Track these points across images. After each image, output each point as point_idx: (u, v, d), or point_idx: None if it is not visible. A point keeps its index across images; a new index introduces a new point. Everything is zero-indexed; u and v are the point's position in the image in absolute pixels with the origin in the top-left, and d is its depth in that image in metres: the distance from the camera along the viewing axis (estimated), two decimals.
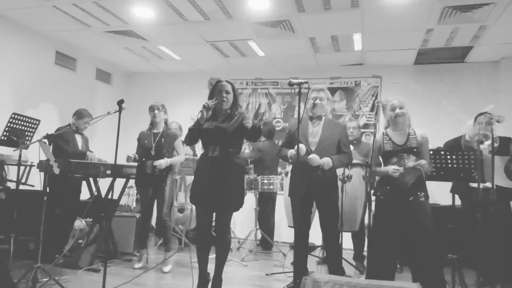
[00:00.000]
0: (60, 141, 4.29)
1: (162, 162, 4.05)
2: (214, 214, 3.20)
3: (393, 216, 3.12)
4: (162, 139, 4.19)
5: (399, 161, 3.16)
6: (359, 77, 6.39)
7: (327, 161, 3.27)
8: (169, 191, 4.21)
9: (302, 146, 3.20)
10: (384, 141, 3.25)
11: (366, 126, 6.27)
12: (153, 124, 4.29)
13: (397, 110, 3.19)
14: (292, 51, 5.84)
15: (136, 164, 4.27)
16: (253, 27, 5.02)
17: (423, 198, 3.12)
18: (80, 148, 4.50)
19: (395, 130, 3.26)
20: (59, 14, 4.85)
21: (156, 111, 4.21)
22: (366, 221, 4.27)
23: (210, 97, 3.14)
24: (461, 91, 5.94)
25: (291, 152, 3.33)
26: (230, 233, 3.21)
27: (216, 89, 3.11)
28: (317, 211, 3.50)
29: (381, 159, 3.33)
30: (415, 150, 3.15)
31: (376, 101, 6.18)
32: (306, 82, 2.88)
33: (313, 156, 3.26)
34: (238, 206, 3.10)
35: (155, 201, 4.25)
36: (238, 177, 3.10)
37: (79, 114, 4.50)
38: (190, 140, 3.15)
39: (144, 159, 4.17)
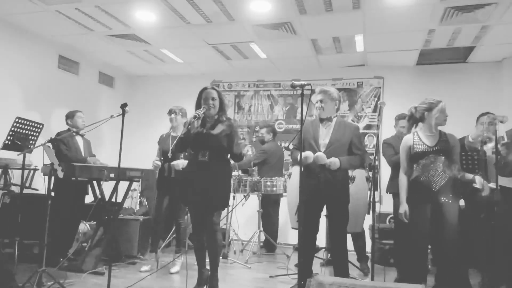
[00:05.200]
0: (61, 146, 4.29)
1: (179, 163, 4.08)
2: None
3: (423, 218, 3.10)
4: None
5: (428, 163, 3.14)
6: (361, 78, 6.39)
7: (333, 161, 3.21)
8: None
9: (309, 154, 3.19)
10: (415, 142, 3.21)
11: (368, 127, 6.27)
12: (172, 128, 4.34)
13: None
14: (294, 53, 5.85)
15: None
16: (255, 30, 5.03)
17: (452, 200, 3.10)
18: (82, 151, 4.51)
19: (426, 131, 3.22)
20: (62, 18, 4.87)
21: (172, 115, 4.27)
22: (369, 222, 4.26)
23: (197, 104, 3.32)
24: (463, 91, 5.92)
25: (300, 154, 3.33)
26: (219, 232, 3.30)
27: (202, 97, 3.30)
28: (322, 213, 3.48)
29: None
30: (446, 152, 3.13)
31: (379, 102, 6.18)
32: (308, 84, 2.87)
33: (319, 154, 3.22)
34: (223, 205, 3.30)
35: (172, 204, 4.25)
36: (224, 179, 3.28)
37: (69, 114, 4.53)
38: (180, 148, 3.33)
39: (161, 162, 4.22)
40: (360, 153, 3.39)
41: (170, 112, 4.30)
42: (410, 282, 2.95)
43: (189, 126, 3.14)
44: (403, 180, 3.26)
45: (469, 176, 3.16)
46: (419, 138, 3.21)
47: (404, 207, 3.20)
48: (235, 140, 3.29)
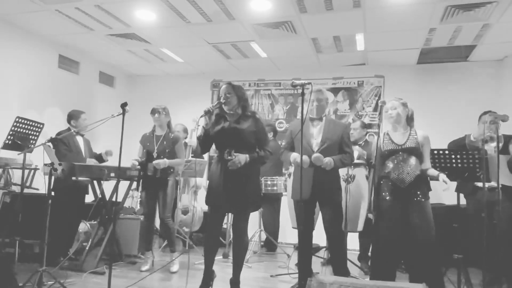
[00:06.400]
0: (61, 146, 4.28)
1: (161, 162, 4.06)
2: (230, 216, 3.23)
3: (393, 215, 3.11)
4: (164, 142, 4.20)
5: (397, 161, 3.15)
6: (362, 77, 6.38)
7: (329, 161, 3.25)
8: (171, 193, 4.23)
9: (305, 159, 3.17)
10: (384, 141, 3.26)
11: (369, 126, 6.25)
12: (155, 127, 4.30)
13: (389, 111, 3.22)
14: (294, 52, 5.84)
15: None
16: (255, 29, 5.02)
17: (421, 198, 3.10)
18: (82, 150, 4.50)
19: (394, 130, 3.27)
20: (62, 17, 4.86)
21: (156, 115, 4.24)
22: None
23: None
24: (464, 90, 5.92)
25: (294, 157, 3.33)
26: (247, 235, 3.22)
27: (219, 94, 3.18)
28: (320, 212, 3.49)
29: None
30: (414, 150, 3.14)
31: (379, 101, 6.16)
32: (309, 83, 2.87)
33: (317, 155, 3.24)
34: (256, 207, 3.17)
35: (158, 203, 4.25)
36: (254, 178, 3.14)
37: (74, 115, 4.50)
38: (202, 148, 3.17)
39: (146, 161, 4.19)
40: (350, 151, 3.44)
41: (154, 111, 4.26)
42: (380, 278, 2.99)
43: (204, 124, 3.06)
44: (372, 177, 3.33)
45: (435, 172, 3.17)
46: (388, 137, 3.26)
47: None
48: (264, 135, 3.16)
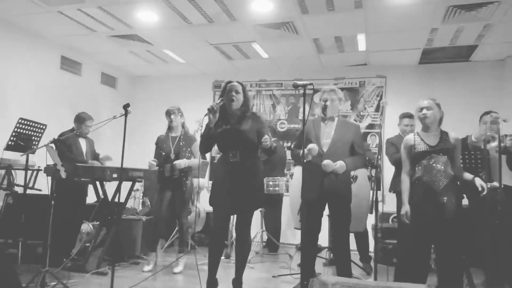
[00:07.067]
0: (62, 147, 4.28)
1: (182, 163, 4.09)
2: (233, 217, 3.21)
3: (426, 218, 3.07)
4: (181, 143, 4.22)
5: (430, 163, 3.11)
6: (363, 78, 6.38)
7: (340, 165, 3.19)
8: (188, 194, 4.24)
9: (314, 146, 3.15)
10: (416, 142, 3.17)
11: (371, 126, 6.25)
12: (170, 128, 4.32)
13: (424, 111, 3.13)
14: (296, 53, 5.84)
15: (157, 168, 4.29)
16: (257, 29, 5.03)
17: (455, 200, 3.07)
18: (84, 152, 4.51)
19: (425, 130, 3.20)
20: (64, 19, 4.88)
21: (172, 116, 4.25)
22: (372, 222, 4.26)
23: (220, 97, 3.16)
24: (466, 90, 5.91)
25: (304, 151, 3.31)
26: (251, 236, 3.21)
27: (226, 90, 3.13)
28: (324, 213, 3.48)
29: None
30: (447, 151, 3.11)
31: (381, 101, 6.16)
32: (310, 84, 2.86)
33: (327, 162, 3.17)
34: (258, 205, 3.15)
35: (174, 203, 4.25)
36: (258, 179, 3.14)
37: (80, 119, 4.51)
38: (204, 148, 3.16)
39: (163, 163, 4.20)
40: (362, 153, 3.39)
41: (169, 113, 4.27)
42: (410, 281, 2.95)
43: (207, 122, 3.04)
44: (405, 180, 3.22)
45: (469, 176, 3.13)
46: (420, 138, 3.18)
47: (405, 208, 3.16)
48: (266, 129, 3.15)
